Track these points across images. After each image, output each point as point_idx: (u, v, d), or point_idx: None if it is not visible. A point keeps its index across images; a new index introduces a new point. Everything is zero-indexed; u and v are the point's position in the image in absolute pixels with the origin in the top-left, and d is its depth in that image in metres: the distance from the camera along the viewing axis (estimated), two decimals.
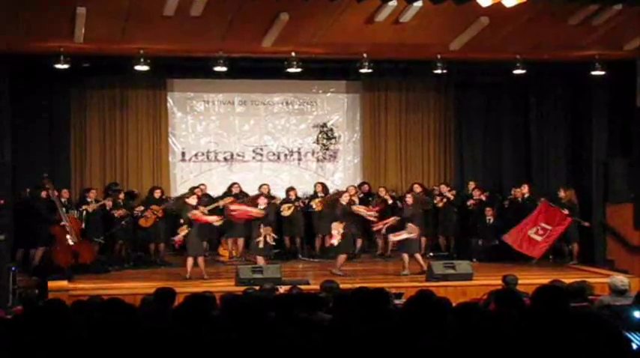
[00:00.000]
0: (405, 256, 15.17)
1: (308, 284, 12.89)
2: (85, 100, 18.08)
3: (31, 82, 16.74)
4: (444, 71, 16.22)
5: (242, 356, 5.34)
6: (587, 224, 16.69)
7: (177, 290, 8.25)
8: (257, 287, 10.85)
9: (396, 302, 9.32)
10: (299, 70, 15.84)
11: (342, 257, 15.22)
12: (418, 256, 15.24)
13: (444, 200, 17.65)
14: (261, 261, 14.83)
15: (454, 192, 17.91)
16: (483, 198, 17.60)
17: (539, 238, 16.31)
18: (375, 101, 19.33)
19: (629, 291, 9.56)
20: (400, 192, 18.34)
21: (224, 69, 15.66)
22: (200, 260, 14.71)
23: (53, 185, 15.84)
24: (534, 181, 17.92)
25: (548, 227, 16.29)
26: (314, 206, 17.61)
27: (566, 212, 16.44)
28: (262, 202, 15.32)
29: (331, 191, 18.03)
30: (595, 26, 14.41)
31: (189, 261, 14.62)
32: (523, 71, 16.30)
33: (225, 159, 18.95)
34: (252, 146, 19.06)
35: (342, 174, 19.38)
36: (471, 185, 18.07)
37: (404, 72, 18.19)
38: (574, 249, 16.72)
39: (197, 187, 17.32)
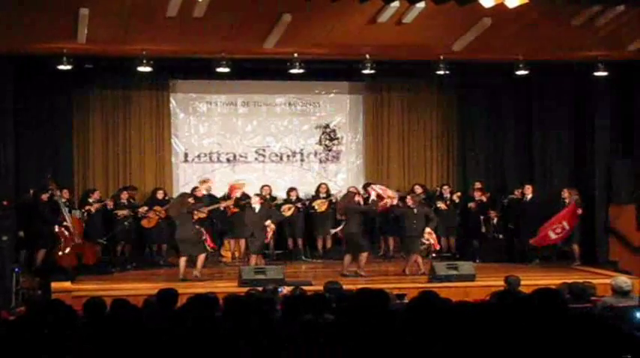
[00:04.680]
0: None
1: (310, 285, 12.87)
2: (87, 101, 18.08)
3: (33, 83, 16.75)
4: (447, 72, 16.21)
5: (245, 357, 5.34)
6: None
7: (179, 291, 8.25)
8: (260, 288, 10.85)
9: (399, 302, 9.31)
10: (301, 71, 15.85)
11: (363, 255, 15.21)
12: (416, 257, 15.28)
13: (448, 202, 17.67)
14: (254, 259, 14.88)
15: (459, 194, 17.93)
16: (484, 199, 17.61)
17: (554, 236, 16.34)
18: (377, 102, 19.31)
19: (632, 292, 9.56)
20: (403, 192, 18.37)
21: (227, 70, 15.66)
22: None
23: (57, 185, 15.85)
24: (537, 182, 17.88)
25: (567, 226, 16.31)
26: (316, 207, 17.63)
27: (580, 211, 16.46)
28: (254, 202, 15.32)
29: (334, 192, 18.01)
30: (598, 27, 14.38)
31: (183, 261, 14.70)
32: (526, 72, 16.28)
33: (228, 160, 18.94)
34: (254, 147, 19.06)
35: (345, 175, 19.37)
36: (477, 185, 18.07)
37: (406, 73, 18.17)
38: (575, 249, 16.73)
39: (197, 188, 17.34)
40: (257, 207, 15.20)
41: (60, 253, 15.38)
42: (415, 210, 15.35)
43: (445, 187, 18.10)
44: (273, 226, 15.20)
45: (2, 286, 13.09)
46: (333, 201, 17.57)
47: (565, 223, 16.32)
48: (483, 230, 17.53)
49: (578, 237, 16.69)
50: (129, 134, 18.31)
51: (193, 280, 14.29)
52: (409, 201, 15.63)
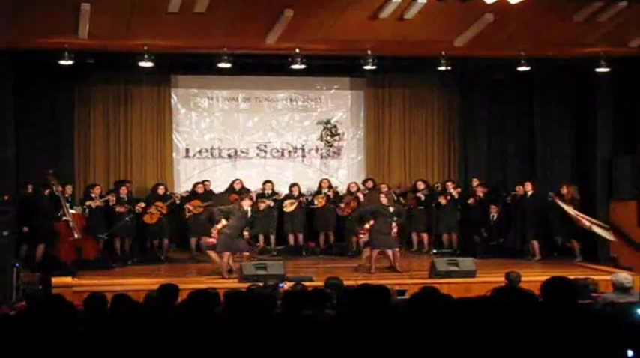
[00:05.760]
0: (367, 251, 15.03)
1: (311, 280, 12.87)
2: (89, 96, 18.10)
3: (35, 78, 16.75)
4: (449, 68, 16.17)
5: (246, 353, 5.34)
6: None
7: (180, 287, 8.26)
8: (261, 284, 10.86)
9: (400, 298, 9.31)
10: (303, 66, 15.82)
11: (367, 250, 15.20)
12: (389, 252, 15.04)
13: (448, 197, 17.67)
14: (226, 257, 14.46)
15: (459, 190, 17.93)
16: (481, 195, 17.59)
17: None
18: (379, 98, 19.31)
19: (633, 289, 9.56)
20: (404, 188, 18.41)
21: (228, 65, 15.64)
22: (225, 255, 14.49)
23: (58, 181, 15.86)
24: (538, 178, 17.88)
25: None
26: (316, 203, 17.63)
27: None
28: (246, 204, 14.92)
29: (335, 188, 18.06)
30: (600, 23, 14.38)
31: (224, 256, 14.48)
32: (527, 68, 16.26)
33: (229, 155, 18.95)
34: (255, 142, 19.06)
35: (346, 171, 19.37)
36: (475, 182, 18.07)
37: (408, 68, 18.17)
38: (574, 245, 16.71)
39: (201, 183, 17.35)
40: (248, 209, 14.71)
41: (60, 248, 15.39)
42: (391, 209, 15.08)
43: (449, 183, 18.08)
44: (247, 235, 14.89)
45: (3, 281, 13.08)
46: (331, 196, 17.61)
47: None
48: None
49: (576, 232, 16.69)
50: (130, 129, 18.33)
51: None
52: (383, 199, 15.46)
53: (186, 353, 5.41)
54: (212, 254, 14.61)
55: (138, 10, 13.42)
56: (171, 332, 5.66)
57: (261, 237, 17.43)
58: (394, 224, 15.05)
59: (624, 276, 9.74)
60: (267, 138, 19.11)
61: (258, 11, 13.81)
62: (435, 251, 17.31)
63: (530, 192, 17.05)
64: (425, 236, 17.82)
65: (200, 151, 18.90)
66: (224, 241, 14.36)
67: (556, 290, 5.62)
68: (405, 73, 18.70)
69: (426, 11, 13.60)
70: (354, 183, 17.99)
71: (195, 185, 17.47)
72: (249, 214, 14.70)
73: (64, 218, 15.54)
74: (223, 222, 14.46)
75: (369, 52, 15.71)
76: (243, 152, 19.02)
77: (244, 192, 17.19)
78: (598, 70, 16.05)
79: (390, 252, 14.97)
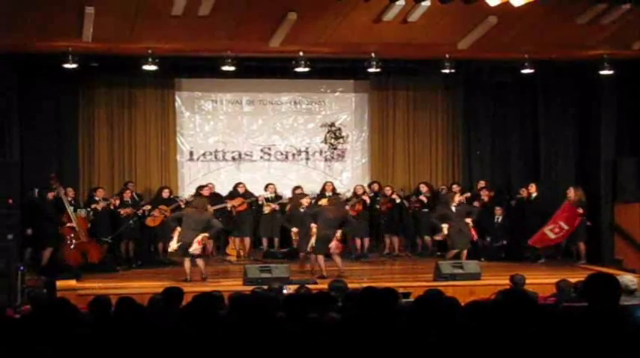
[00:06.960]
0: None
1: (315, 283, 12.88)
2: (93, 100, 18.11)
3: (39, 81, 16.75)
4: (452, 70, 16.19)
5: (250, 356, 5.34)
6: (589, 223, 16.65)
7: (185, 290, 8.26)
8: (265, 287, 10.86)
9: (404, 301, 9.31)
10: (307, 69, 15.84)
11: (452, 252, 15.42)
12: (336, 259, 14.79)
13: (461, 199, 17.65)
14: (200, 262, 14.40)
15: (468, 195, 17.84)
16: (485, 198, 17.56)
17: (552, 236, 16.28)
18: (383, 100, 19.31)
19: (638, 291, 9.53)
20: (408, 191, 18.38)
21: (232, 68, 15.67)
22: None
23: (60, 183, 15.87)
24: (542, 180, 17.88)
25: (566, 227, 16.24)
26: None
27: (581, 211, 16.39)
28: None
29: (340, 190, 18.00)
30: (603, 25, 14.37)
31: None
32: (531, 70, 16.28)
33: (233, 158, 18.95)
34: (260, 145, 19.06)
35: (350, 174, 19.37)
36: (481, 184, 18.07)
37: (412, 71, 18.17)
38: (580, 248, 16.68)
39: (205, 186, 17.32)
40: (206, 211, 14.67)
41: (65, 252, 15.41)
42: (331, 215, 14.75)
43: (454, 186, 18.03)
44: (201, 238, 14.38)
45: (8, 284, 13.11)
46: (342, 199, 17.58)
47: (562, 223, 16.26)
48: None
49: (585, 235, 16.66)
50: (134, 132, 18.34)
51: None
52: (325, 202, 15.38)
53: (190, 356, 5.42)
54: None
55: (142, 14, 13.44)
56: (176, 335, 5.67)
57: (265, 241, 17.48)
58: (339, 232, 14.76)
59: (629, 279, 9.71)
60: (271, 141, 19.12)
61: (261, 14, 13.82)
62: (439, 253, 17.28)
63: (534, 194, 17.06)
64: (428, 239, 17.78)
65: (204, 154, 18.89)
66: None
67: (599, 289, 5.49)
68: (409, 75, 18.71)
69: (430, 14, 13.60)
70: (360, 185, 17.98)
71: (201, 188, 17.42)
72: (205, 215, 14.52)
73: (69, 222, 15.54)
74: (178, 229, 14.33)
75: (372, 54, 15.71)
76: (247, 155, 19.02)
77: (248, 195, 17.23)
78: (602, 72, 16.05)
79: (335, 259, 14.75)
